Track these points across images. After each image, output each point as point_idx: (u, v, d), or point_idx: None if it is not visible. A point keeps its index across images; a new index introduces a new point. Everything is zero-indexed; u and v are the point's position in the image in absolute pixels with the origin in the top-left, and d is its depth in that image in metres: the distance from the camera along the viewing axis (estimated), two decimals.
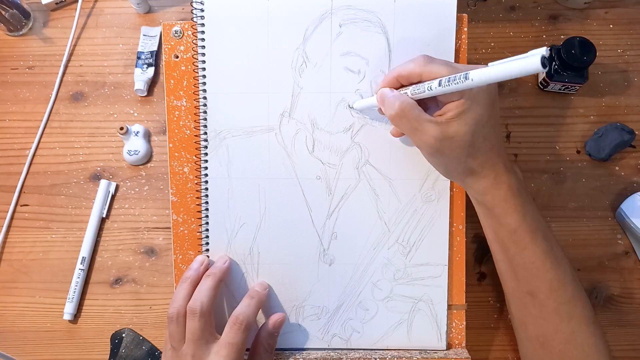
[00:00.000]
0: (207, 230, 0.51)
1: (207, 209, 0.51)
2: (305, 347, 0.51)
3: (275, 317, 0.49)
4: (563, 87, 0.60)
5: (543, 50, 0.34)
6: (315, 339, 0.51)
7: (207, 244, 0.51)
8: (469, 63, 0.51)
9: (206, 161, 0.50)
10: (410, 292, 0.51)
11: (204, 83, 0.50)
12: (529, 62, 0.34)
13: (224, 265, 0.49)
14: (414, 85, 0.42)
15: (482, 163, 0.44)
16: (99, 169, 0.61)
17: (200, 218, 0.51)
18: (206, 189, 0.50)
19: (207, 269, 0.49)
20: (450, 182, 0.50)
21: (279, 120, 0.50)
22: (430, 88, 0.40)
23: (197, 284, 0.48)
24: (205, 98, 0.50)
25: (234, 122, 0.50)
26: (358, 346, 0.51)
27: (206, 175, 0.50)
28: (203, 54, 0.49)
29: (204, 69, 0.50)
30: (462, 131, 0.41)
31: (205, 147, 0.50)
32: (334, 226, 0.50)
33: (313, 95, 0.49)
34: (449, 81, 0.38)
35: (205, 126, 0.50)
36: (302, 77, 0.49)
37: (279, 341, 0.51)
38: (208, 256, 0.51)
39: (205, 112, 0.50)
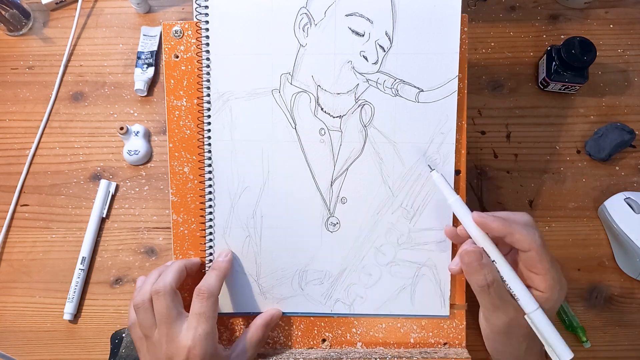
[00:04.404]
0: (210, 193, 0.50)
1: (210, 172, 0.50)
2: (308, 311, 0.51)
3: (270, 311, 0.50)
4: (563, 87, 0.60)
5: (571, 355, 0.40)
6: (318, 303, 0.51)
7: (211, 207, 0.50)
8: (469, 63, 0.50)
9: (209, 123, 0.50)
10: (414, 257, 0.50)
11: (207, 44, 0.49)
12: (563, 351, 0.40)
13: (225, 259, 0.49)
14: (506, 271, 0.42)
15: (531, 355, 0.44)
16: (99, 169, 0.61)
17: (204, 182, 0.50)
18: (209, 151, 0.50)
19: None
20: (455, 146, 0.49)
21: (282, 82, 0.49)
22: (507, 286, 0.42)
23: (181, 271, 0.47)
24: (208, 59, 0.49)
25: (237, 84, 0.49)
26: (361, 311, 0.50)
27: (209, 137, 0.50)
28: (206, 14, 0.49)
29: (207, 29, 0.49)
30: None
31: (209, 109, 0.50)
32: (338, 190, 0.50)
33: (317, 57, 0.49)
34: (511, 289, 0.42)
35: (209, 88, 0.49)
36: (306, 38, 0.49)
37: (283, 305, 0.50)
38: (211, 218, 0.50)
39: (208, 73, 0.49)
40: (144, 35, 0.64)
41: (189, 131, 0.51)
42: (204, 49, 0.49)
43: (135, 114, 0.62)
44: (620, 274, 0.58)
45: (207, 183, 0.50)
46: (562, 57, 0.57)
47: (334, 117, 0.49)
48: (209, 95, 0.50)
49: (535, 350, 0.43)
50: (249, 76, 0.49)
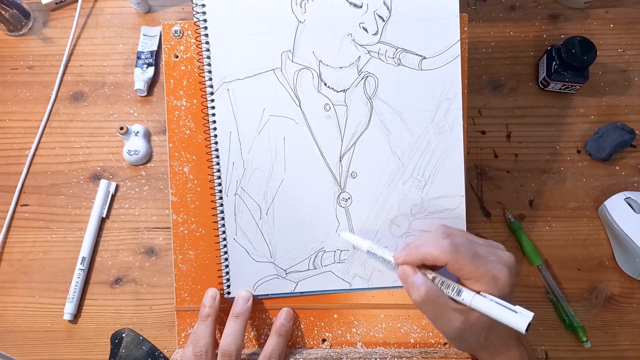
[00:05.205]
0: (219, 178, 0.50)
1: (217, 157, 0.50)
2: (327, 289, 0.51)
3: (283, 313, 0.50)
4: (563, 87, 0.60)
5: (530, 317, 0.38)
6: (336, 280, 0.51)
7: (220, 191, 0.50)
8: (469, 62, 0.50)
9: (213, 107, 0.49)
10: (429, 226, 0.49)
11: (206, 27, 0.49)
12: (517, 320, 0.39)
13: (248, 304, 0.49)
14: (441, 279, 0.43)
15: (496, 340, 0.44)
16: (99, 169, 0.61)
17: (212, 167, 0.50)
18: (215, 135, 0.49)
19: (218, 303, 0.49)
20: (462, 111, 0.49)
21: (283, 60, 0.49)
22: (449, 294, 0.42)
23: (217, 320, 0.48)
24: (207, 43, 0.49)
25: (237, 66, 0.49)
26: (380, 284, 0.50)
27: (214, 122, 0.49)
28: (203, 5, 0.49)
29: (204, 12, 0.48)
30: (484, 319, 0.41)
31: (212, 93, 0.49)
32: (348, 165, 0.49)
33: (316, 32, 0.48)
34: (453, 292, 0.42)
35: (210, 72, 0.49)
36: (304, 14, 0.48)
37: (302, 285, 0.50)
38: (222, 203, 0.50)
39: (208, 57, 0.49)
40: (143, 35, 0.64)
41: (188, 131, 0.51)
42: (202, 33, 0.49)
43: (135, 114, 0.62)
44: (620, 274, 0.58)
45: (215, 168, 0.50)
46: (562, 56, 0.57)
47: (338, 92, 0.49)
48: (210, 79, 0.49)
49: (494, 334, 0.43)
50: (250, 57, 0.49)
